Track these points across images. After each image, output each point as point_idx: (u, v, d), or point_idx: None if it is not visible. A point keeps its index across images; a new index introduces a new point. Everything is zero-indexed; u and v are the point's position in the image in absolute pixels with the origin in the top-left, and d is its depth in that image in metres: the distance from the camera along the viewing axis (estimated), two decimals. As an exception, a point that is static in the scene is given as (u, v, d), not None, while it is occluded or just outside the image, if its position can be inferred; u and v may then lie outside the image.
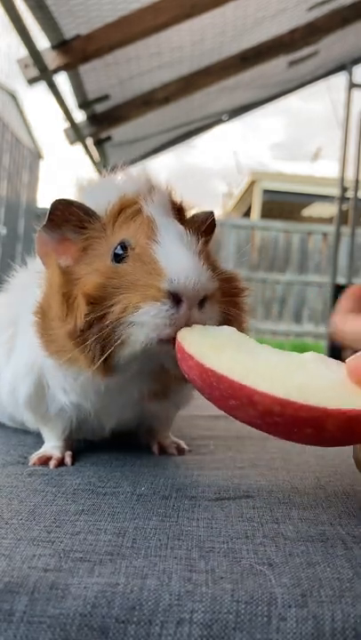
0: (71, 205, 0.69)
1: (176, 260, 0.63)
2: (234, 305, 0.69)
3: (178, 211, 0.72)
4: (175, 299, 0.61)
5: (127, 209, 0.69)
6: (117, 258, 0.66)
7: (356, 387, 0.53)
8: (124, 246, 0.66)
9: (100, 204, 0.70)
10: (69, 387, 0.71)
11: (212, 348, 0.58)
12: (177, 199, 0.73)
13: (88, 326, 0.62)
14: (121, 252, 0.66)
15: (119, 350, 0.64)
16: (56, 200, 0.69)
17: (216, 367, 0.55)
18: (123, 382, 0.69)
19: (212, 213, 0.78)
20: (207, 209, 0.78)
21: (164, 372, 0.69)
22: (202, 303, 0.63)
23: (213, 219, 0.78)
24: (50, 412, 0.77)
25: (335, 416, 0.50)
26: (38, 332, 0.68)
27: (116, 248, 0.66)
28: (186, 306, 0.61)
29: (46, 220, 0.70)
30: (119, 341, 0.63)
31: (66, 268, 0.67)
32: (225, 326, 0.63)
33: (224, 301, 0.67)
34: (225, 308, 0.67)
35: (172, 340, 0.62)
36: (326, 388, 0.53)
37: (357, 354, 0.55)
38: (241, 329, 0.66)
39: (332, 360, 0.57)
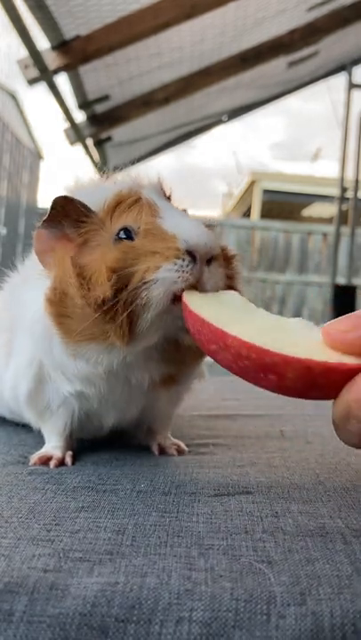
0: (71, 201, 0.71)
1: (184, 225, 0.68)
2: (230, 268, 0.74)
3: (167, 199, 0.76)
4: (191, 256, 0.66)
5: (123, 202, 0.71)
6: (122, 241, 0.69)
7: (326, 347, 0.55)
8: (126, 231, 0.69)
9: (96, 202, 0.72)
10: (77, 373, 0.72)
11: (209, 303, 0.63)
12: (167, 190, 0.77)
13: (114, 295, 0.65)
14: (125, 236, 0.69)
15: (142, 313, 0.66)
16: (57, 196, 0.71)
17: (205, 315, 0.60)
18: (131, 366, 0.70)
19: (185, 210, 0.81)
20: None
21: (176, 353, 0.71)
22: (209, 262, 0.67)
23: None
24: (51, 406, 0.77)
25: (293, 363, 0.53)
26: (55, 320, 0.69)
27: (118, 234, 0.69)
28: (200, 262, 0.66)
29: (47, 215, 0.71)
30: (143, 302, 0.65)
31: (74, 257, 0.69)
32: (230, 291, 0.68)
33: (224, 264, 0.72)
34: (225, 270, 0.71)
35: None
36: (298, 343, 0.55)
37: (336, 319, 0.57)
38: (238, 290, 0.71)
39: (316, 327, 0.59)
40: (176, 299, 0.65)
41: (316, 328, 0.58)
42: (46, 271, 0.72)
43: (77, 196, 0.73)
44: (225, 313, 0.61)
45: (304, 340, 0.56)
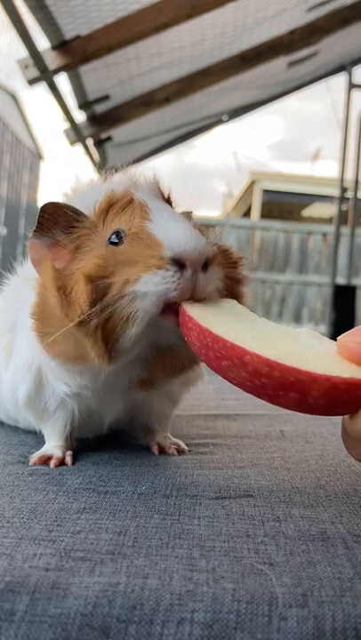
0: (59, 207, 0.70)
1: (173, 230, 0.64)
2: (232, 273, 0.71)
3: (166, 201, 0.74)
4: (179, 264, 0.62)
5: (116, 204, 0.69)
6: (113, 245, 0.66)
7: (344, 360, 0.54)
8: (118, 235, 0.66)
9: (88, 205, 0.71)
10: (71, 380, 0.71)
11: (212, 314, 0.60)
12: (165, 190, 0.74)
13: (91, 307, 0.62)
14: (117, 240, 0.66)
15: (125, 330, 0.63)
16: (44, 203, 0.70)
17: (213, 328, 0.57)
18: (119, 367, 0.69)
19: (190, 212, 0.80)
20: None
21: (155, 360, 0.70)
22: (205, 267, 0.63)
23: (192, 217, 0.80)
24: (49, 407, 0.77)
25: (320, 382, 0.51)
26: (38, 334, 0.68)
27: (110, 238, 0.67)
28: (191, 269, 0.62)
29: (36, 224, 0.70)
30: (125, 317, 0.62)
31: (59, 269, 0.68)
32: (227, 299, 0.65)
33: (225, 266, 0.69)
34: (226, 273, 0.69)
35: (174, 312, 0.62)
36: (315, 357, 0.54)
37: (351, 331, 0.56)
38: (241, 296, 0.69)
39: (325, 338, 0.58)
40: (164, 310, 0.62)
41: (325, 339, 0.58)
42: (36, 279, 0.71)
43: (69, 200, 0.72)
44: (231, 325, 0.58)
45: (318, 352, 0.55)
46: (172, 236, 0.63)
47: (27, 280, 0.76)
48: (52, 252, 0.70)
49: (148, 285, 0.61)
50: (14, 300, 0.81)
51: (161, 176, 0.75)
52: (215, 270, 0.66)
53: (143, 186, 0.72)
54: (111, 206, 0.69)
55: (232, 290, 0.70)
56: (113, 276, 0.63)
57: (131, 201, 0.69)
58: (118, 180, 0.75)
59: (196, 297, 0.62)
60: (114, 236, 0.67)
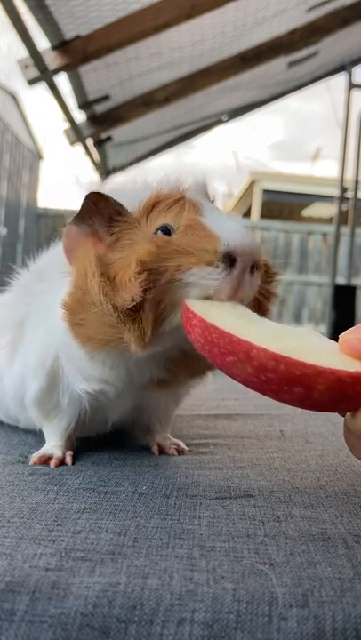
0: (104, 198, 0.68)
1: (229, 227, 0.64)
2: (266, 286, 0.70)
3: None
4: (230, 261, 0.62)
5: (162, 202, 0.69)
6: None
7: (347, 357, 0.54)
8: (166, 229, 0.66)
9: (131, 202, 0.70)
10: (94, 371, 0.71)
11: (215, 310, 0.60)
12: (211, 192, 0.74)
13: (143, 293, 0.62)
14: (162, 234, 0.66)
15: (168, 315, 0.64)
16: (90, 192, 0.68)
17: (218, 324, 0.57)
18: (139, 365, 0.69)
19: None
20: None
21: (178, 362, 0.70)
22: (252, 269, 0.64)
23: None
24: (61, 404, 0.76)
25: (325, 375, 0.51)
26: (72, 328, 0.67)
27: (155, 232, 0.66)
28: (240, 267, 0.62)
29: (79, 212, 0.69)
30: (171, 303, 0.63)
31: (100, 255, 0.67)
32: (231, 301, 0.65)
33: (265, 275, 0.68)
34: (265, 281, 0.68)
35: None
36: (319, 353, 0.54)
37: (353, 328, 0.56)
38: (267, 311, 0.69)
39: (326, 338, 0.58)
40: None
41: (325, 338, 0.58)
42: (71, 269, 0.70)
43: (111, 195, 0.70)
44: (234, 322, 0.58)
45: (322, 348, 0.55)
46: (228, 231, 0.63)
47: (43, 274, 0.75)
48: (88, 240, 0.69)
49: (198, 277, 0.62)
50: (24, 294, 0.80)
51: (209, 176, 0.74)
52: (257, 280, 0.65)
53: (192, 186, 0.72)
54: (156, 205, 0.69)
55: (260, 303, 0.68)
56: (166, 262, 0.63)
57: (178, 200, 0.68)
58: (164, 178, 0.74)
59: (236, 297, 0.62)
60: (160, 232, 0.66)
